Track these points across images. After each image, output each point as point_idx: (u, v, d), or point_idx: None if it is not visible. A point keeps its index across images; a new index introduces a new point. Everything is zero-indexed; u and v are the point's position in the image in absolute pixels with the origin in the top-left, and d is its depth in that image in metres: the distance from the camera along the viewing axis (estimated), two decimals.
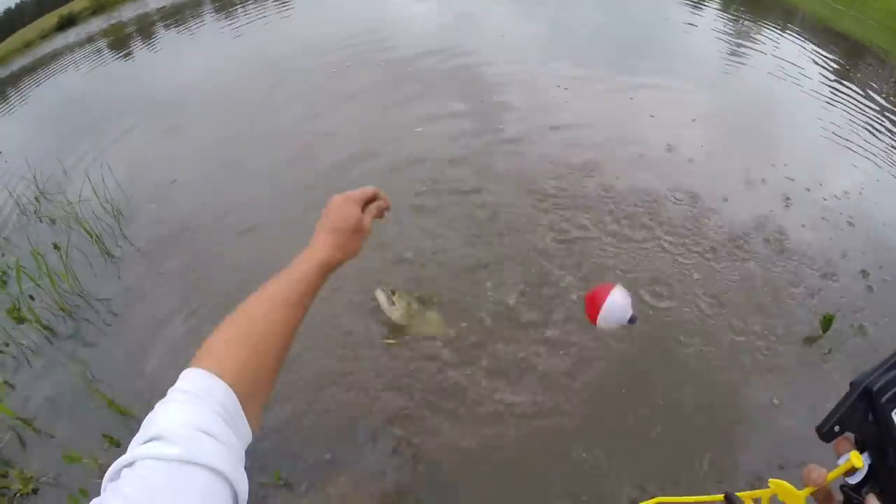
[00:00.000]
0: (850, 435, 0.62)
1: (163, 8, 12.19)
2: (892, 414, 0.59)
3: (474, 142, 4.22)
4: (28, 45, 13.12)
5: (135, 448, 0.61)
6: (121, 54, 9.61)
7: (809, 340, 2.58)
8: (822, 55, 6.24)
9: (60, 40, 12.26)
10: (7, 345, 3.08)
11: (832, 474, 0.61)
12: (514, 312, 2.73)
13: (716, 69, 5.74)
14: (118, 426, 2.46)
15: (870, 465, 0.60)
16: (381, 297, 2.68)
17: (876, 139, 4.34)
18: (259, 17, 9.27)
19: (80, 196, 4.20)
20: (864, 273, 2.95)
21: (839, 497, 0.62)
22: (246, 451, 0.72)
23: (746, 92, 5.15)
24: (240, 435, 0.72)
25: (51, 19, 14.30)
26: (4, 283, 3.51)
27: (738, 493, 0.73)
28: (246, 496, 0.65)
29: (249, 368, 0.79)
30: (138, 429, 0.64)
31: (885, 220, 3.38)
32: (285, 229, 3.29)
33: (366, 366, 2.55)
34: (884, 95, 5.21)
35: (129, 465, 0.59)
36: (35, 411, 2.67)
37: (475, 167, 3.89)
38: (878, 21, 7.68)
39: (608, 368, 2.43)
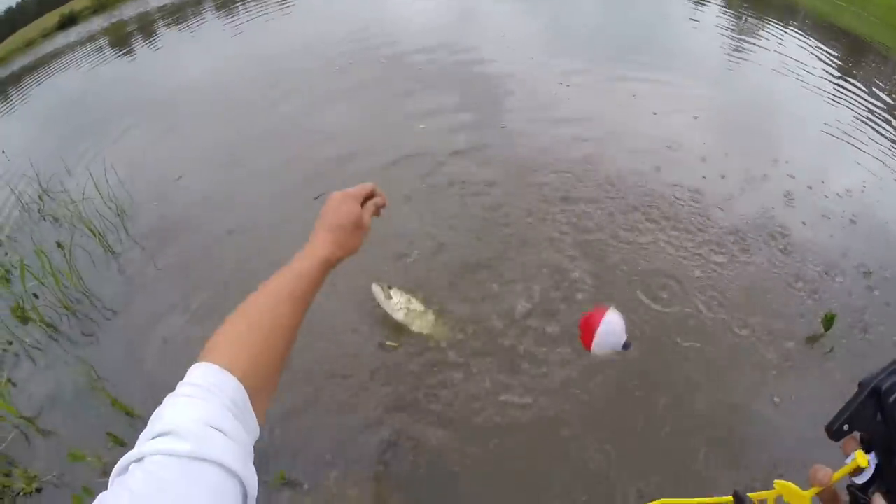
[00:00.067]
0: (856, 435, 0.62)
1: (164, 6, 12.20)
2: None
3: (476, 138, 4.22)
4: (29, 44, 13.15)
5: (144, 443, 0.61)
6: (122, 53, 9.62)
7: (811, 339, 2.58)
8: (823, 51, 6.22)
9: (61, 39, 12.28)
10: (10, 343, 3.09)
11: (838, 474, 0.61)
12: (516, 313, 2.72)
13: (717, 66, 5.73)
14: (122, 424, 2.46)
15: (876, 465, 0.60)
16: (377, 292, 2.67)
17: (878, 136, 4.33)
18: (260, 14, 9.27)
19: (83, 194, 4.21)
20: (866, 271, 2.94)
21: (845, 497, 0.62)
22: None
23: (748, 89, 5.13)
24: (249, 429, 0.72)
25: (52, 18, 14.32)
26: (8, 281, 3.52)
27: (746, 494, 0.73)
28: (255, 492, 0.65)
29: (257, 363, 0.79)
30: (143, 427, 0.64)
31: (888, 217, 3.37)
32: (287, 226, 3.30)
33: (366, 365, 2.55)
34: (886, 92, 5.19)
35: (139, 460, 0.58)
36: (39, 410, 2.68)
37: (477, 163, 3.89)
38: (880, 17, 7.65)
39: (609, 369, 2.43)
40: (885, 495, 0.59)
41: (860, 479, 0.61)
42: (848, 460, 0.61)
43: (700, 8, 7.75)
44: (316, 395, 2.44)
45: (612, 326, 1.12)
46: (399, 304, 2.64)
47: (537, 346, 2.55)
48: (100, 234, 3.73)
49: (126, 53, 9.54)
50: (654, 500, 0.93)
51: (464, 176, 3.76)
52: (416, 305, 2.68)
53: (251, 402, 0.74)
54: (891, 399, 0.59)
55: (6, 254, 3.92)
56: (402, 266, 3.05)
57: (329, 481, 2.15)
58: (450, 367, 2.49)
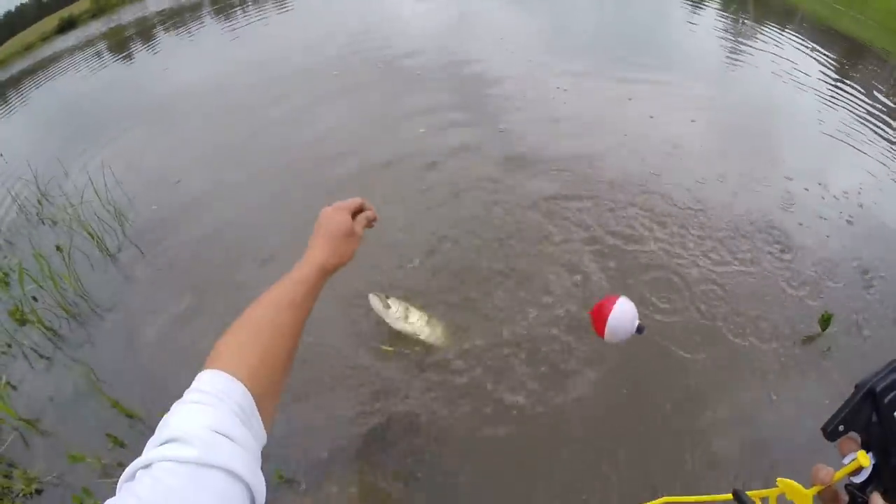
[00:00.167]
0: (854, 435, 0.63)
1: (162, 11, 12.23)
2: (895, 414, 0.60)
3: (473, 140, 4.23)
4: (28, 47, 13.17)
5: (151, 449, 0.61)
6: (121, 57, 9.63)
7: (808, 339, 2.58)
8: (822, 54, 6.25)
9: (60, 43, 12.29)
10: (10, 346, 3.09)
11: (839, 473, 0.62)
12: (517, 313, 2.73)
13: (715, 68, 5.76)
14: (121, 426, 2.45)
15: (874, 465, 0.61)
16: (375, 302, 2.62)
17: (877, 138, 4.34)
18: (258, 18, 9.29)
19: (81, 197, 4.21)
20: (863, 272, 2.95)
21: (846, 496, 0.63)
22: None
23: (746, 91, 5.16)
24: (256, 436, 0.72)
25: (51, 22, 14.36)
26: (7, 284, 3.52)
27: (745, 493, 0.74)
28: (263, 499, 0.65)
29: (263, 369, 0.80)
30: (143, 428, 0.64)
31: (884, 219, 3.38)
32: (287, 228, 3.30)
33: (364, 367, 2.55)
34: (884, 95, 5.21)
35: (146, 466, 0.59)
36: (38, 412, 2.68)
37: (473, 165, 3.90)
38: (878, 21, 7.69)
39: (609, 368, 2.43)
40: (883, 494, 0.59)
41: (858, 479, 0.62)
42: (847, 460, 0.62)
43: (698, 11, 7.79)
44: (314, 394, 2.44)
45: (623, 314, 1.14)
46: (398, 313, 2.60)
47: (539, 346, 2.55)
48: (98, 237, 3.73)
49: (125, 57, 9.56)
50: (655, 498, 0.93)
51: (461, 177, 3.77)
52: (415, 313, 2.65)
53: (258, 409, 0.75)
54: (886, 400, 0.60)
55: (5, 257, 3.92)
56: (402, 272, 3.03)
57: (328, 480, 2.15)
58: (448, 371, 2.48)
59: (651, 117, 4.45)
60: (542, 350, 2.53)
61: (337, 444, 2.27)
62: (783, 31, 7.15)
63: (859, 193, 3.57)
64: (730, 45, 6.55)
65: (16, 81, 10.00)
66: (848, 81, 5.51)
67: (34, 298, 3.28)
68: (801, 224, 3.27)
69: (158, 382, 2.60)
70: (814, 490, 0.64)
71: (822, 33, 7.28)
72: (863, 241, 3.18)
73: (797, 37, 6.91)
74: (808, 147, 4.21)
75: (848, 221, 3.33)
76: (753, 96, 5.04)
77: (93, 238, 3.71)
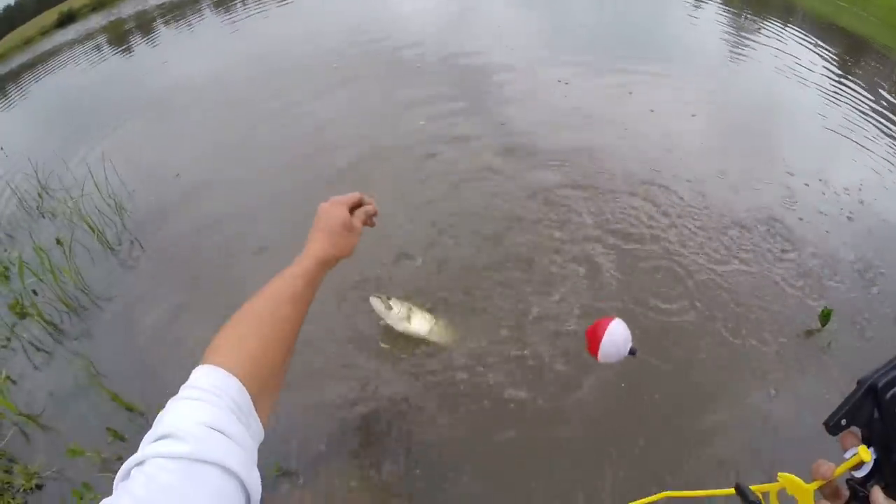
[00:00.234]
0: (856, 430, 0.63)
1: (162, 4, 12.18)
2: None
3: (473, 133, 4.22)
4: (28, 41, 13.12)
5: (145, 446, 0.61)
6: (120, 50, 9.61)
7: (808, 334, 2.58)
8: (824, 50, 6.22)
9: (60, 37, 12.25)
10: (9, 340, 3.09)
11: (840, 468, 0.62)
12: (518, 310, 2.72)
13: (717, 63, 5.73)
14: (121, 420, 2.45)
15: (875, 460, 0.61)
16: (376, 304, 2.58)
17: (878, 134, 4.33)
18: (258, 11, 9.25)
19: (82, 191, 4.20)
20: (863, 268, 2.95)
21: (846, 491, 0.63)
22: None
23: (747, 86, 5.13)
24: (252, 433, 0.72)
25: (51, 16, 14.29)
26: (7, 278, 3.51)
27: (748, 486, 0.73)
28: (258, 496, 0.64)
29: (260, 365, 0.79)
30: (142, 423, 0.64)
31: (885, 215, 3.37)
32: (287, 220, 3.28)
33: (364, 362, 2.55)
34: (886, 91, 5.19)
35: (140, 463, 0.58)
36: (38, 406, 2.68)
37: (473, 158, 3.89)
38: (880, 18, 7.65)
39: (609, 368, 2.42)
40: (884, 489, 0.59)
41: (859, 473, 0.62)
42: (848, 454, 0.62)
43: (699, 6, 7.75)
44: (314, 390, 2.43)
45: (616, 336, 1.17)
46: (400, 314, 2.57)
47: (540, 345, 2.54)
48: (99, 230, 3.72)
49: (124, 51, 9.54)
50: (656, 493, 0.93)
51: (461, 170, 3.76)
52: (418, 313, 2.62)
53: (254, 405, 0.74)
54: (887, 396, 0.60)
55: (5, 251, 3.92)
56: (401, 267, 3.02)
57: (327, 473, 2.16)
58: (450, 367, 2.48)
59: (652, 111, 4.43)
60: (542, 349, 2.52)
61: (336, 438, 2.27)
62: (785, 26, 7.12)
63: (860, 190, 3.56)
64: (731, 39, 6.52)
65: (15, 75, 9.98)
66: (850, 77, 5.48)
67: (34, 292, 3.28)
68: (801, 219, 3.26)
69: (158, 375, 2.59)
70: (815, 485, 0.64)
71: (823, 29, 7.24)
72: (864, 236, 3.18)
73: (799, 33, 6.88)
74: (810, 143, 4.19)
75: (849, 218, 3.32)
76: (754, 91, 5.02)
77: (93, 231, 3.71)
